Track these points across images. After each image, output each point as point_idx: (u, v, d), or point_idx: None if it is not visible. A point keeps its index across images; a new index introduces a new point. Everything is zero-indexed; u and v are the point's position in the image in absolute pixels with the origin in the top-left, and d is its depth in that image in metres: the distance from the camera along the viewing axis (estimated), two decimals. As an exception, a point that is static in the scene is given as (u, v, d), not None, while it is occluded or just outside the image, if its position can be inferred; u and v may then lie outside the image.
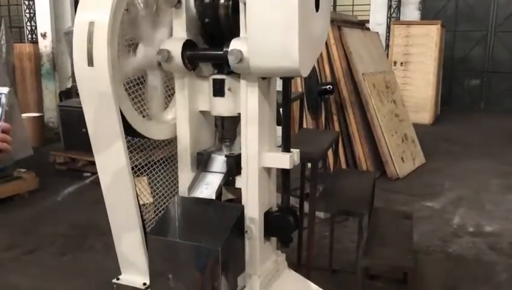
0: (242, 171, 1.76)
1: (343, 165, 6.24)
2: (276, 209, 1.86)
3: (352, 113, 6.11)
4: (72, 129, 5.95)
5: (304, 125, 6.63)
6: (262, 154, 1.75)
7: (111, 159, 1.67)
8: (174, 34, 1.77)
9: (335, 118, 6.22)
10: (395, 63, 10.35)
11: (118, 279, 1.85)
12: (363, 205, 2.52)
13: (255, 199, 1.76)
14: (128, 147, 1.70)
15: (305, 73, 1.59)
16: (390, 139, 6.18)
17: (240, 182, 1.78)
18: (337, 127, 6.26)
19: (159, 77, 1.81)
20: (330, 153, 6.29)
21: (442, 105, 11.17)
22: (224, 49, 1.66)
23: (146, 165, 1.98)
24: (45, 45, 9.08)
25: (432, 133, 8.97)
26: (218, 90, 1.77)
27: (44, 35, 9.06)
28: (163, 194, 2.04)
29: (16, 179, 5.18)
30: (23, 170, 5.30)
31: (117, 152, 1.63)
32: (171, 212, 1.76)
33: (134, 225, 1.74)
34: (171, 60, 1.71)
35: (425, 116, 9.97)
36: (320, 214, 4.47)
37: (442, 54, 10.49)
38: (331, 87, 5.73)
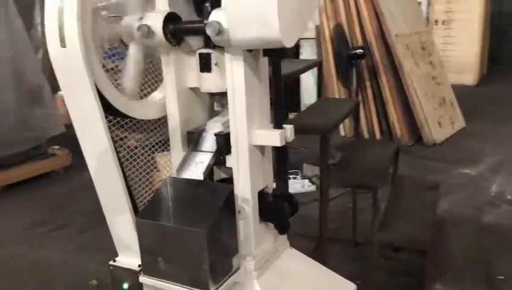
0: (232, 149, 1.68)
1: (377, 133, 6.04)
2: (271, 193, 1.78)
3: (385, 78, 5.85)
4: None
5: (336, 94, 6.43)
6: (252, 131, 1.66)
7: (94, 142, 1.63)
8: (157, 7, 1.68)
9: (367, 83, 5.98)
10: (436, 22, 9.80)
11: (114, 261, 1.84)
12: (378, 177, 2.39)
13: (246, 178, 1.68)
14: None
15: (290, 43, 1.47)
16: (426, 104, 5.89)
17: (230, 161, 1.71)
18: (370, 93, 6.03)
19: (140, 51, 1.73)
20: (364, 122, 6.09)
21: (490, 64, 10.52)
22: (204, 21, 1.57)
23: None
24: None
25: (476, 94, 8.50)
26: (205, 65, 1.69)
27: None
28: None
29: (50, 156, 5.33)
30: (56, 147, 5.44)
31: (99, 135, 1.59)
32: (162, 193, 1.71)
33: (124, 208, 1.71)
34: (153, 35, 1.63)
35: (469, 76, 9.43)
36: (347, 185, 4.35)
37: (488, 9, 9.83)
38: (361, 51, 5.49)
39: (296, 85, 7.32)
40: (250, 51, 1.60)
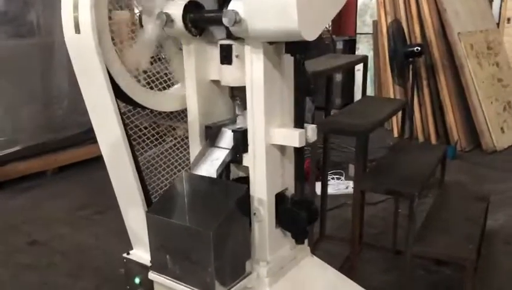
0: (249, 148, 1.59)
1: (433, 136, 5.72)
2: (290, 199, 1.66)
3: (444, 78, 5.52)
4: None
5: (391, 93, 6.15)
6: (270, 129, 1.55)
7: (107, 131, 1.59)
8: (180, -5, 1.61)
9: (424, 83, 5.67)
10: (508, 20, 9.15)
11: (128, 253, 1.81)
12: (415, 184, 2.20)
13: (262, 179, 1.58)
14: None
15: (310, 36, 1.35)
16: (489, 107, 5.50)
17: (247, 159, 1.62)
18: (426, 94, 5.71)
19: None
20: (419, 123, 5.77)
21: None
22: (223, 10, 1.48)
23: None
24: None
25: (548, 99, 7.85)
26: (226, 57, 1.60)
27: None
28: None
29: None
30: (108, 133, 5.57)
31: (110, 122, 1.55)
32: (175, 189, 1.65)
33: (136, 201, 1.67)
34: (172, 24, 1.57)
35: (543, 80, 8.76)
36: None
37: None
38: (418, 48, 5.19)
39: (351, 82, 7.10)
40: (271, 43, 1.50)
